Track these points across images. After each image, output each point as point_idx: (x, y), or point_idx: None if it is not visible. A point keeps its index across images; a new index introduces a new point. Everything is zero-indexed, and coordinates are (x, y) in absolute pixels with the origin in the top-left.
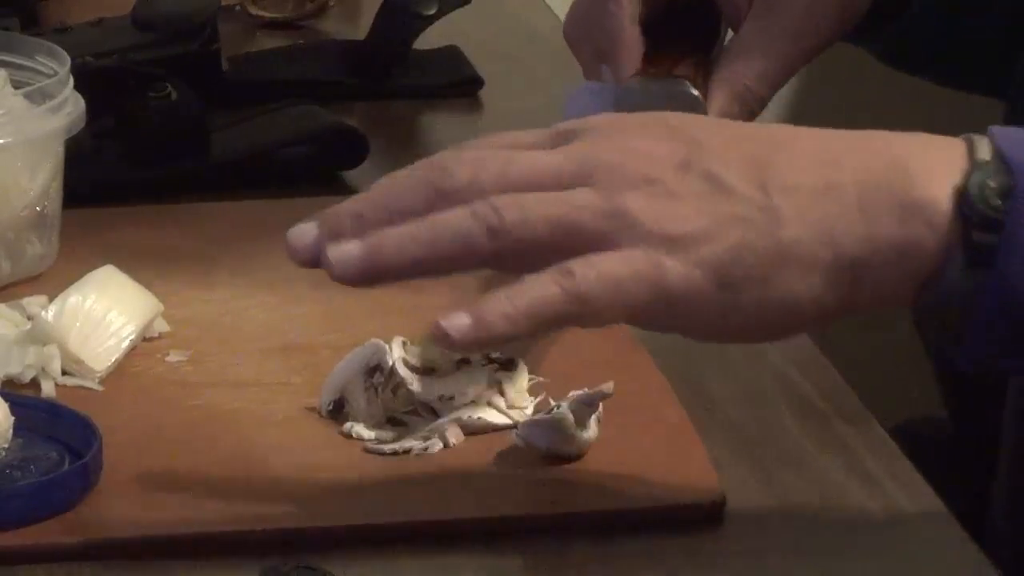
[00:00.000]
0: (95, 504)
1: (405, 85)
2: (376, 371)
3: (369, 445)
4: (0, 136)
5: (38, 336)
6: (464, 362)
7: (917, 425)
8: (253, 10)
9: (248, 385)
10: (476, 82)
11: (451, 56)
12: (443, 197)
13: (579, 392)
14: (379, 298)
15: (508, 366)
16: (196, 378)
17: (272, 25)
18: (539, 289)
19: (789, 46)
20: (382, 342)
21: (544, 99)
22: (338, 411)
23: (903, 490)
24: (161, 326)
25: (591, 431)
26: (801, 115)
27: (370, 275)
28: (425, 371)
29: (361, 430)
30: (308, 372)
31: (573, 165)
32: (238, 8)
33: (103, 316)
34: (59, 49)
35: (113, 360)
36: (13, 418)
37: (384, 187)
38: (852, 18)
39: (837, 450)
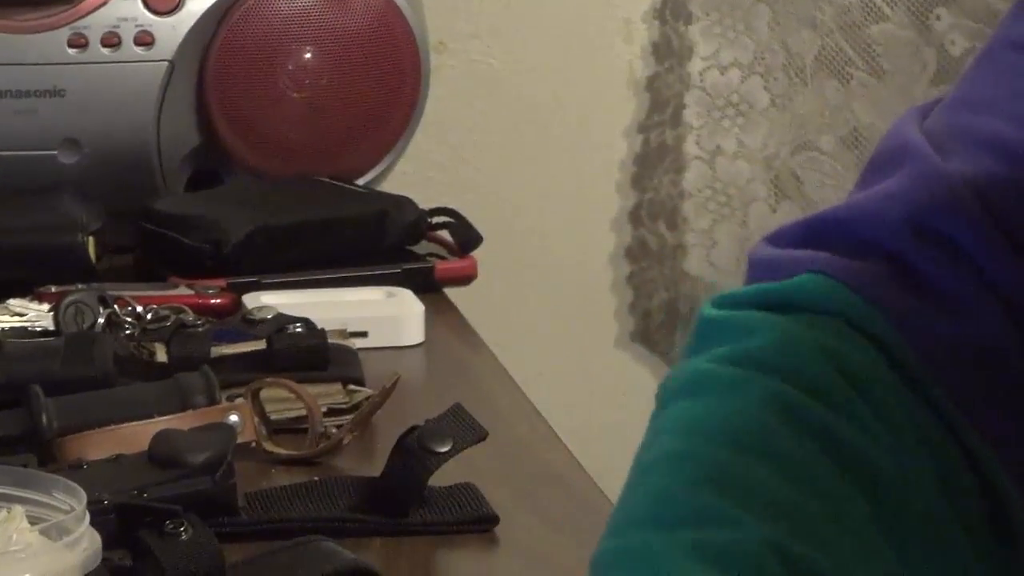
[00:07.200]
0: None
1: (421, 522)
2: None
3: None
4: (16, 573)
5: None
6: None
7: None
8: (268, 447)
9: None
10: (492, 520)
11: (467, 493)
12: None
13: None
14: None
15: None
16: None
17: (288, 462)
18: None
19: None
20: None
21: (562, 537)
22: None
23: None
24: None
25: None
26: None
27: None
28: None
29: None
30: None
31: None
32: (253, 445)
33: None
34: (75, 486)
35: None
36: None
37: None
38: None
39: None
